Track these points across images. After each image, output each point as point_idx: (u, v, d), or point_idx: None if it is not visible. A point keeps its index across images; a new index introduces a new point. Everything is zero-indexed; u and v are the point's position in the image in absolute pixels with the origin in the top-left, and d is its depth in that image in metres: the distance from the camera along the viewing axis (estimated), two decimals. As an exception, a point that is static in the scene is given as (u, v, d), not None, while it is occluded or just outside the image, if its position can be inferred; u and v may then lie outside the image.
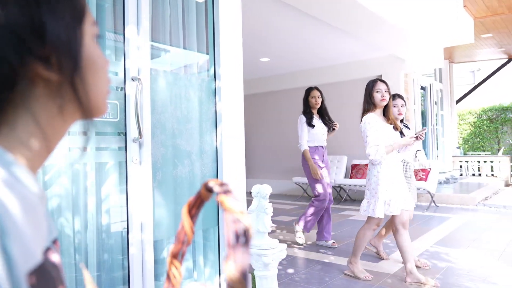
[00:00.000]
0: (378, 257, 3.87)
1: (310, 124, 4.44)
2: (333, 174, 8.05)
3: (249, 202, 2.83)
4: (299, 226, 4.43)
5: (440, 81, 10.70)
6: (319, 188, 4.37)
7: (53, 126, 0.50)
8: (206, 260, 2.75)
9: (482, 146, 13.87)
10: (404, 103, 3.75)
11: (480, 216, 6.07)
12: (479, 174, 10.80)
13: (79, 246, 2.12)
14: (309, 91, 4.60)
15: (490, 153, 13.13)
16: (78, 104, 0.50)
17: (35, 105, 0.48)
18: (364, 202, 3.24)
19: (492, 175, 10.55)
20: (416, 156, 4.41)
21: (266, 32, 6.13)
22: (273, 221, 5.91)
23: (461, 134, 14.38)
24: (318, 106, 4.54)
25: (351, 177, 7.72)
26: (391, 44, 6.71)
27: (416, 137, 3.11)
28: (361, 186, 7.27)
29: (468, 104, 15.01)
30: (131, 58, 2.26)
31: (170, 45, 2.62)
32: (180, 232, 0.75)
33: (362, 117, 3.26)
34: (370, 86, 3.27)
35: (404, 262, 3.18)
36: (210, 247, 2.76)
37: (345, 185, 7.55)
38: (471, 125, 14.28)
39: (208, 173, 2.70)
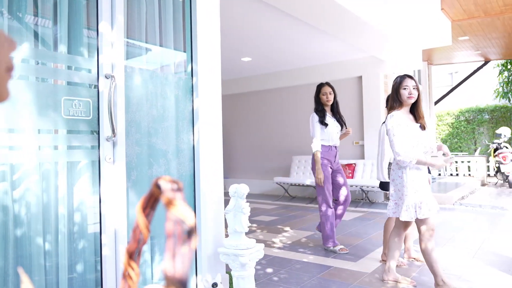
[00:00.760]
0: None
1: (323, 122, 4.18)
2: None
3: (226, 202, 2.81)
4: (329, 247, 4.13)
5: (419, 82, 10.87)
6: (322, 195, 4.15)
7: None
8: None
9: (460, 147, 14.17)
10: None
11: (457, 215, 6.19)
12: (457, 174, 11.02)
13: (50, 248, 2.06)
14: (320, 87, 4.31)
15: (467, 153, 13.42)
16: None
17: None
18: (391, 203, 3.04)
19: (469, 175, 10.78)
20: None
21: (247, 32, 6.12)
22: (254, 221, 5.90)
23: (440, 134, 14.66)
24: (330, 102, 4.26)
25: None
26: (372, 45, 6.77)
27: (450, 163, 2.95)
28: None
29: (446, 106, 15.32)
30: (104, 55, 2.21)
31: (146, 42, 2.57)
32: (135, 231, 0.73)
33: (387, 114, 3.04)
34: (397, 82, 3.00)
35: (387, 258, 3.14)
36: (186, 248, 2.72)
37: (325, 185, 7.58)
38: (449, 126, 14.58)
39: (184, 172, 2.66)
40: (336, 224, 4.24)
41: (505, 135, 10.52)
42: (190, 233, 0.49)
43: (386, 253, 3.25)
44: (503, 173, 9.96)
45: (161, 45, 2.65)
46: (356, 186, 7.22)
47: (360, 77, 7.97)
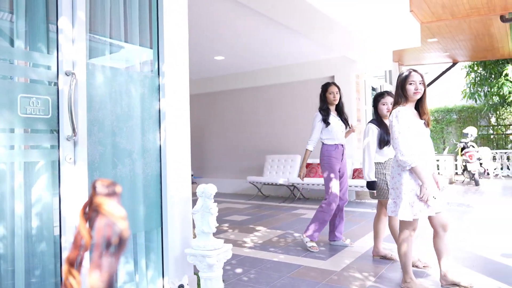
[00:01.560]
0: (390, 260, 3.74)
1: (325, 121, 4.23)
2: (287, 173, 8.12)
3: (194, 202, 2.77)
4: (306, 236, 4.17)
5: (390, 82, 11.09)
6: (331, 188, 4.15)
7: None
8: (149, 262, 2.65)
9: (429, 146, 14.54)
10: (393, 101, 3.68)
11: (425, 212, 6.32)
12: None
13: (5, 252, 1.97)
14: (326, 86, 4.36)
15: (436, 152, 13.79)
16: None
17: None
18: (390, 202, 2.96)
19: (439, 173, 11.07)
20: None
21: (220, 31, 6.07)
22: (226, 221, 5.87)
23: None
24: (337, 102, 4.33)
25: (304, 176, 7.81)
26: (343, 45, 6.85)
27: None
28: (313, 185, 7.38)
29: (416, 106, 15.66)
30: (65, 51, 2.13)
31: (110, 38, 2.49)
32: (77, 237, 0.69)
33: (392, 110, 2.92)
34: (403, 78, 2.87)
35: (402, 270, 3.00)
36: (153, 249, 2.67)
37: (298, 184, 7.63)
38: (419, 125, 14.92)
39: (150, 172, 2.60)
40: (340, 224, 4.31)
41: (471, 135, 10.87)
42: (121, 239, 0.46)
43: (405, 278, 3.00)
44: (469, 172, 10.29)
45: (126, 41, 2.58)
46: (328, 185, 7.29)
47: (333, 77, 8.05)
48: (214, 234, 4.77)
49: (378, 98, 3.76)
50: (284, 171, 8.20)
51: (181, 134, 2.77)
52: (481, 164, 10.66)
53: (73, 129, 2.09)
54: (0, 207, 1.94)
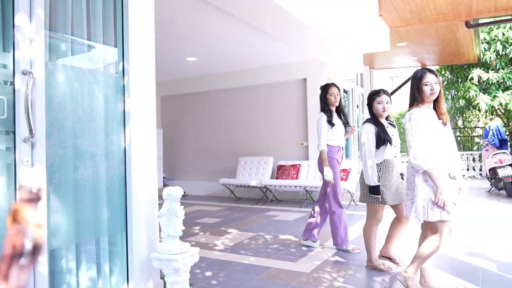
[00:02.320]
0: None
1: (330, 122, 4.17)
2: (259, 175, 8.12)
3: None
4: (343, 245, 4.10)
5: (362, 85, 11.28)
6: (334, 194, 4.14)
7: None
8: (113, 267, 2.58)
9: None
10: (389, 99, 3.58)
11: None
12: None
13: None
14: (327, 88, 4.29)
15: (405, 154, 14.11)
16: None
17: None
18: (408, 203, 2.87)
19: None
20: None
21: (192, 32, 6.01)
22: (198, 223, 5.80)
23: (381, 136, 15.29)
24: (337, 103, 4.28)
25: (277, 178, 7.83)
26: (314, 48, 6.91)
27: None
28: (286, 186, 7.40)
29: (387, 108, 16.00)
30: (22, 50, 2.04)
31: (72, 36, 2.41)
32: (6, 245, 0.64)
33: (408, 111, 2.80)
34: (418, 78, 2.76)
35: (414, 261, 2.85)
36: (117, 254, 2.60)
37: (271, 186, 7.64)
38: (390, 127, 15.25)
39: (115, 175, 2.53)
40: (321, 226, 4.29)
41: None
42: (35, 248, 0.42)
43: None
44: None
45: (89, 39, 2.51)
46: (300, 187, 7.33)
47: (305, 79, 8.11)
48: (184, 237, 4.71)
49: (373, 96, 3.59)
50: (257, 173, 8.19)
51: (147, 135, 2.71)
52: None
53: (30, 130, 2.00)
54: (-51, 213, 1.83)
